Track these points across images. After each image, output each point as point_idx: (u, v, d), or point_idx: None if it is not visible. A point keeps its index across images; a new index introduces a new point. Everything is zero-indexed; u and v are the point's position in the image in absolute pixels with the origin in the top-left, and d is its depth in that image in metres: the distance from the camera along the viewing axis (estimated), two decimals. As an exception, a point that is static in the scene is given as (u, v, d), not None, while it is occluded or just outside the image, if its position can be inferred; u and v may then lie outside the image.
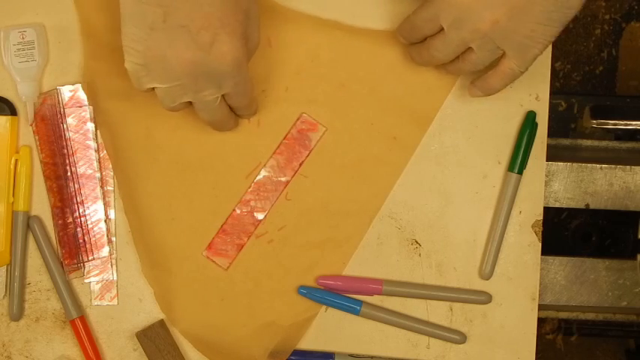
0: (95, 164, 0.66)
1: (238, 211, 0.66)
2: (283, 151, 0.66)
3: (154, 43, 0.53)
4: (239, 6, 0.54)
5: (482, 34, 0.56)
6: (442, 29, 0.58)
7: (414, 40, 0.62)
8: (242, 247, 0.66)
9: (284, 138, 0.66)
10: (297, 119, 0.66)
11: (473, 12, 0.56)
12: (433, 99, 0.66)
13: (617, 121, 0.93)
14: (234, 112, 0.63)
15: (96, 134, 0.66)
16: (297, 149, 0.66)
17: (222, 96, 0.58)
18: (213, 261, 0.66)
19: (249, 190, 0.66)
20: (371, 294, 0.66)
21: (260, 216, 0.66)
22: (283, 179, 0.66)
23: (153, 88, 0.56)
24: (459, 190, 0.67)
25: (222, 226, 0.66)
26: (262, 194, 0.66)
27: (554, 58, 1.01)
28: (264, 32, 0.65)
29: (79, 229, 0.66)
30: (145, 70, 0.55)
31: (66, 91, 0.66)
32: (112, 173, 0.66)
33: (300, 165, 0.66)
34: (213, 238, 0.66)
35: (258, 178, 0.66)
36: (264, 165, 0.66)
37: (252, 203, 0.66)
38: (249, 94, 0.61)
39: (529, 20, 0.55)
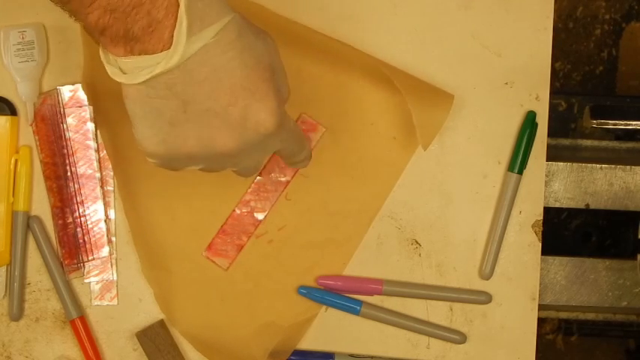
0: (95, 164, 0.66)
1: (238, 212, 0.66)
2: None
3: (179, 140, 0.47)
4: (261, 64, 0.47)
5: None
6: None
7: None
8: (242, 247, 0.66)
9: None
10: (297, 119, 0.66)
11: None
12: (438, 108, 0.64)
13: (617, 121, 0.93)
14: (284, 161, 0.59)
15: (96, 134, 0.66)
16: None
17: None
18: (213, 261, 0.66)
19: (249, 190, 0.66)
20: (371, 294, 0.66)
21: (260, 216, 0.66)
22: (283, 179, 0.66)
23: None
24: (459, 190, 0.67)
25: (222, 226, 0.66)
26: (262, 194, 0.66)
27: (554, 58, 1.01)
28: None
29: (79, 229, 0.66)
30: (176, 163, 0.49)
31: (66, 91, 0.66)
32: (112, 173, 0.66)
33: None
34: (213, 239, 0.66)
35: (258, 178, 0.66)
36: (265, 165, 0.66)
37: (252, 203, 0.66)
38: (299, 140, 0.56)
39: None
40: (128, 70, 0.45)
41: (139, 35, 0.43)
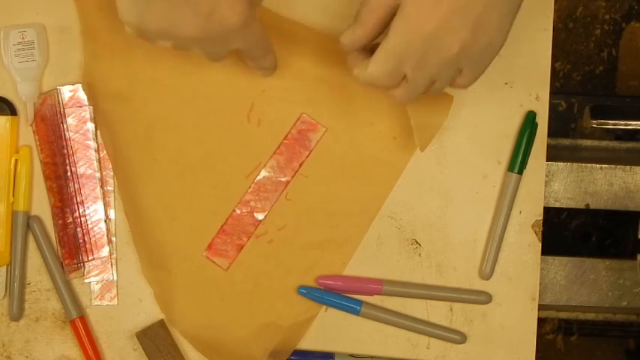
0: (95, 164, 0.66)
1: (238, 212, 0.66)
2: (283, 152, 0.66)
3: (152, 16, 0.52)
4: None
5: (450, 61, 0.53)
6: (405, 76, 0.54)
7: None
8: (242, 247, 0.66)
9: (284, 138, 0.66)
10: (297, 119, 0.66)
11: (437, 42, 0.51)
12: (437, 110, 0.64)
13: (617, 121, 0.93)
14: (249, 63, 0.62)
15: (96, 134, 0.66)
16: (297, 149, 0.66)
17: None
18: (213, 261, 0.66)
19: (249, 190, 0.66)
20: (371, 294, 0.66)
21: (260, 216, 0.66)
22: (283, 179, 0.66)
23: None
24: (459, 190, 0.67)
25: (222, 226, 0.66)
26: (262, 194, 0.66)
27: (554, 58, 1.01)
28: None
29: (79, 229, 0.66)
30: (147, 36, 0.54)
31: (66, 91, 0.66)
32: (112, 173, 0.66)
33: (300, 165, 0.66)
34: (213, 239, 0.66)
35: (258, 178, 0.66)
36: (264, 165, 0.66)
37: (252, 203, 0.66)
38: (262, 46, 0.59)
39: (489, 30, 0.52)
40: None
41: None
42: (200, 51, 0.56)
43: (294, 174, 0.66)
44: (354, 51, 0.56)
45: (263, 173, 0.66)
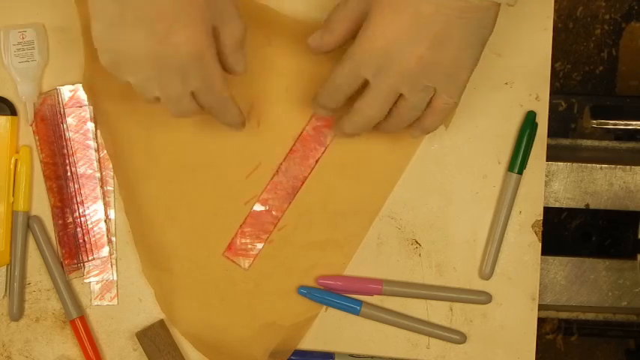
0: (95, 164, 0.66)
1: (257, 209, 0.66)
2: (298, 149, 0.66)
3: (117, 39, 0.53)
4: None
5: (410, 74, 0.55)
6: (367, 83, 0.56)
7: (339, 104, 0.59)
8: (264, 241, 0.66)
9: (299, 136, 0.66)
10: (312, 117, 0.66)
11: (395, 52, 0.54)
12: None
13: (617, 121, 0.93)
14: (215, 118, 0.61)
15: (96, 134, 0.66)
16: (313, 146, 0.66)
17: (194, 96, 0.57)
18: (234, 261, 0.66)
19: (267, 187, 0.66)
20: (371, 294, 0.66)
21: (278, 214, 0.66)
22: (298, 180, 0.66)
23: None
24: (459, 190, 0.67)
25: (240, 225, 0.66)
26: (279, 192, 0.66)
27: (554, 58, 1.01)
28: (264, 33, 0.65)
29: (79, 229, 0.66)
30: (116, 65, 0.55)
31: (66, 91, 0.66)
32: (112, 173, 0.66)
33: (317, 162, 0.66)
34: (233, 238, 0.66)
35: (276, 177, 0.66)
36: (281, 163, 0.66)
37: (270, 202, 0.66)
38: (217, 91, 0.57)
39: (450, 48, 0.54)
40: None
41: None
42: (159, 90, 0.55)
43: (311, 170, 0.66)
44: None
45: (284, 166, 0.66)
